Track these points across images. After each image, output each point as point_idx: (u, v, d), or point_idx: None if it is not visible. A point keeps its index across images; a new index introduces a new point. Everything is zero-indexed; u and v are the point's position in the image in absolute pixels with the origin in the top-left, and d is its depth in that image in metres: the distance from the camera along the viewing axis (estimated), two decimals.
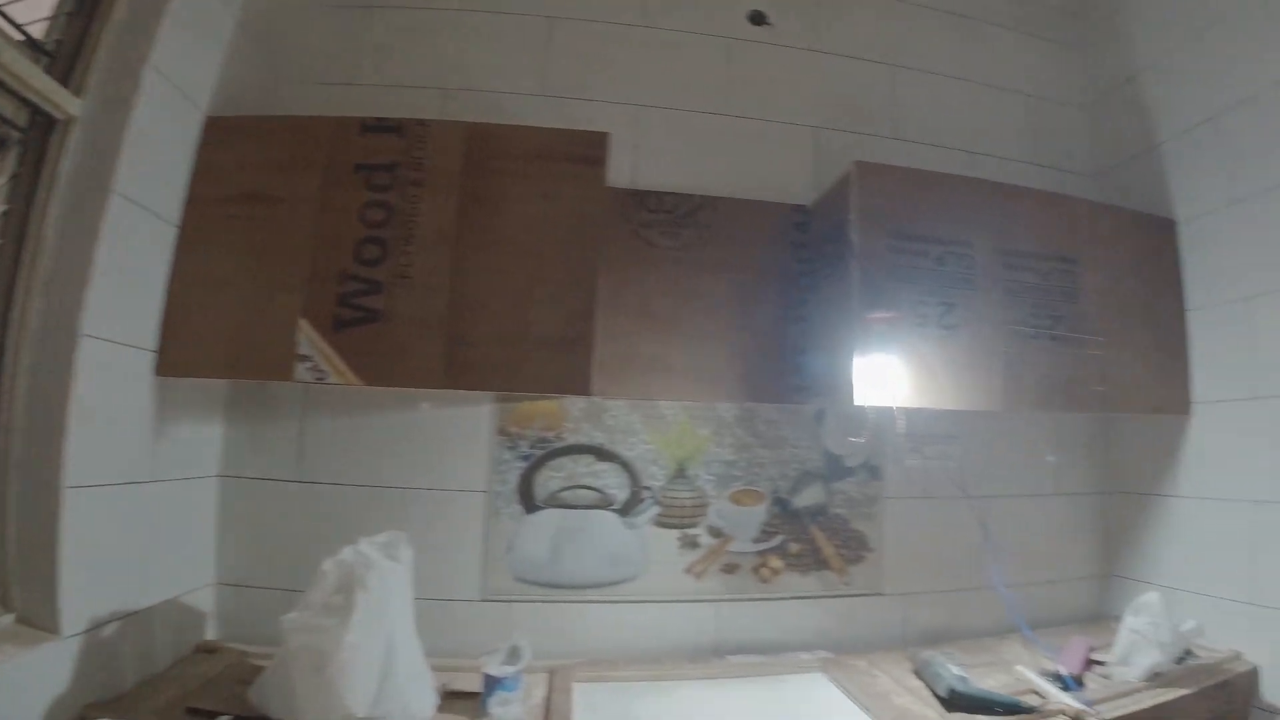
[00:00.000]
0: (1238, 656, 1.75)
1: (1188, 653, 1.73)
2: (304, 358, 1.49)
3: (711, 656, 1.82)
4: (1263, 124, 1.76)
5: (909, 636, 1.95)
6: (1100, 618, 2.06)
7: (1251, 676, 1.71)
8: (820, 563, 1.95)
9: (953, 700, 1.51)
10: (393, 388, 1.65)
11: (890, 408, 1.61)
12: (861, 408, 1.63)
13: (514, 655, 1.46)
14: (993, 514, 2.03)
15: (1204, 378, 1.92)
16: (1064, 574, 2.15)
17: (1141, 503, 2.10)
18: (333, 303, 1.50)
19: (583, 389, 1.50)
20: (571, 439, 1.84)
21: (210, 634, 1.64)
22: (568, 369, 1.52)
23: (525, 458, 1.82)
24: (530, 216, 1.57)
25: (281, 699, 1.24)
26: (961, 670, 1.59)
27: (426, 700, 1.37)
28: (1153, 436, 2.05)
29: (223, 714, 1.23)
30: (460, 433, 1.81)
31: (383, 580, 1.29)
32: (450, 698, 1.44)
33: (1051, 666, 1.67)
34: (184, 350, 1.47)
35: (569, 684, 1.57)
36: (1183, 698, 1.58)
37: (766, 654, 1.83)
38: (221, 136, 1.56)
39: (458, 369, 1.51)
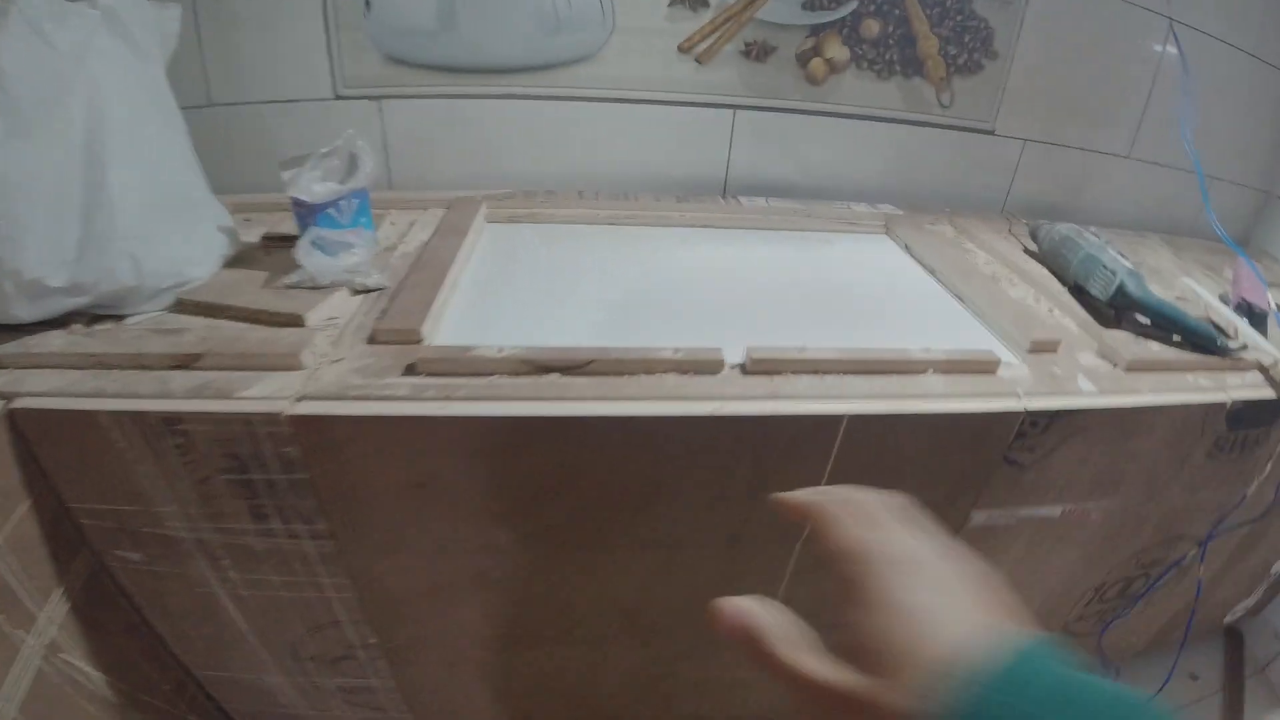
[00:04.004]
0: None
1: None
2: None
3: (716, 196, 1.19)
4: None
5: (1011, 205, 1.30)
6: (1248, 246, 1.28)
7: None
8: (909, 62, 1.16)
9: (1119, 304, 0.89)
10: None
11: None
12: None
13: (350, 165, 0.82)
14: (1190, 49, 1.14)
15: None
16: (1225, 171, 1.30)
17: None
18: None
19: None
20: None
21: None
22: None
23: None
24: None
25: None
26: (1130, 263, 0.94)
27: (202, 253, 0.76)
28: None
29: None
30: None
31: (47, 53, 0.60)
32: (269, 245, 0.87)
33: (1224, 291, 1.02)
34: None
35: (470, 223, 0.97)
36: None
37: (802, 200, 1.20)
38: None
39: None
